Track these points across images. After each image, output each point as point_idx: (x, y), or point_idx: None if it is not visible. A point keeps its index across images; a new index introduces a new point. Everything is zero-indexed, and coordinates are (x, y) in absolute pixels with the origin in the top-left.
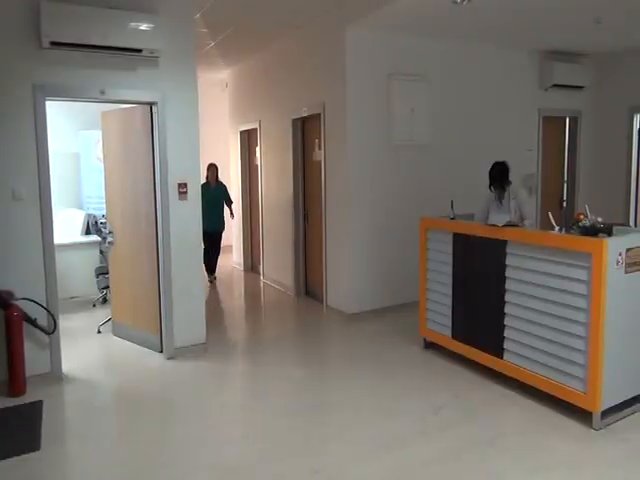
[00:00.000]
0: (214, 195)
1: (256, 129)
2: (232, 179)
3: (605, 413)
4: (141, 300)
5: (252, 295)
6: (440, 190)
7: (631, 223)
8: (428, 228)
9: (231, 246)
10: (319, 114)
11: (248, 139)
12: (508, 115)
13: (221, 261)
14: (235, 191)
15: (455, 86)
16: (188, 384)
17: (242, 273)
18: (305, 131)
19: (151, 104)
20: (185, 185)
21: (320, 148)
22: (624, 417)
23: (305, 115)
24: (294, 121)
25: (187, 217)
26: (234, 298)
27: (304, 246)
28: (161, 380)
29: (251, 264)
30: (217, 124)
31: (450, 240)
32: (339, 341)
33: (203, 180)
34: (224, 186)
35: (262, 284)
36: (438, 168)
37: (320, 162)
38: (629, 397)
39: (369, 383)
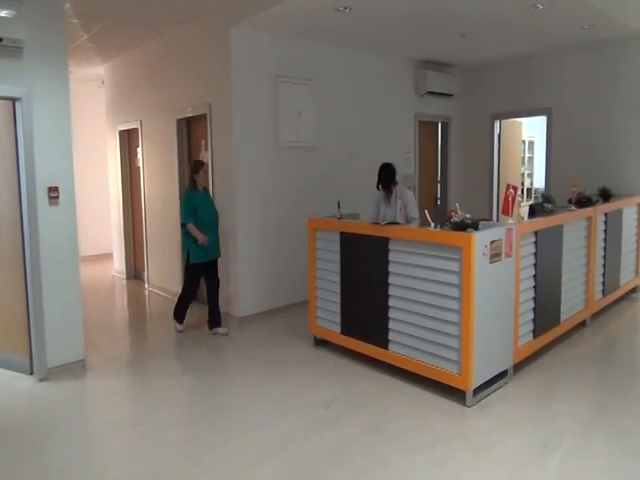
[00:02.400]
0: (208, 206)
1: (137, 129)
2: (111, 181)
3: (476, 391)
4: (5, 317)
5: (136, 305)
6: (327, 190)
7: (494, 218)
8: (316, 228)
9: (111, 253)
10: (205, 114)
11: (128, 139)
12: (388, 119)
13: (101, 270)
14: (115, 194)
15: (340, 90)
16: (65, 406)
17: (124, 282)
18: (191, 131)
19: (14, 99)
20: (56, 189)
21: (207, 149)
22: (491, 393)
23: (190, 115)
24: (179, 121)
25: (59, 223)
26: (116, 310)
27: None
28: (32, 405)
29: (134, 272)
30: (93, 123)
31: (337, 239)
32: (230, 345)
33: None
34: (209, 193)
35: (147, 292)
36: (325, 169)
37: (207, 163)
38: (495, 374)
39: (261, 385)
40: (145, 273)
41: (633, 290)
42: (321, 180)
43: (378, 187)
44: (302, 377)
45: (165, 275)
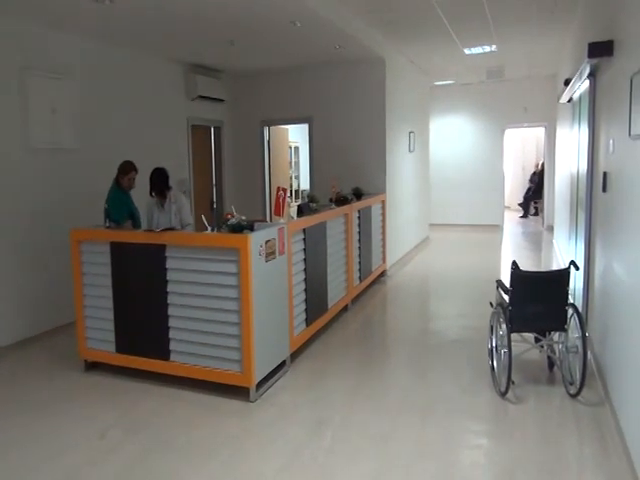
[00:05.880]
0: (137, 209)
1: None
2: None
3: (259, 385)
4: None
5: None
6: (93, 197)
7: (268, 219)
8: (81, 240)
9: None
10: None
11: None
12: (160, 121)
13: None
14: None
15: (105, 89)
16: None
17: None
18: None
19: None
20: None
21: None
22: (272, 384)
23: None
24: None
25: None
26: None
27: None
28: None
29: None
30: None
31: (107, 250)
32: None
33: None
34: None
35: None
36: (90, 174)
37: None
38: (275, 366)
39: (22, 428)
40: None
41: (382, 274)
42: (85, 185)
43: (151, 193)
44: (72, 408)
45: None
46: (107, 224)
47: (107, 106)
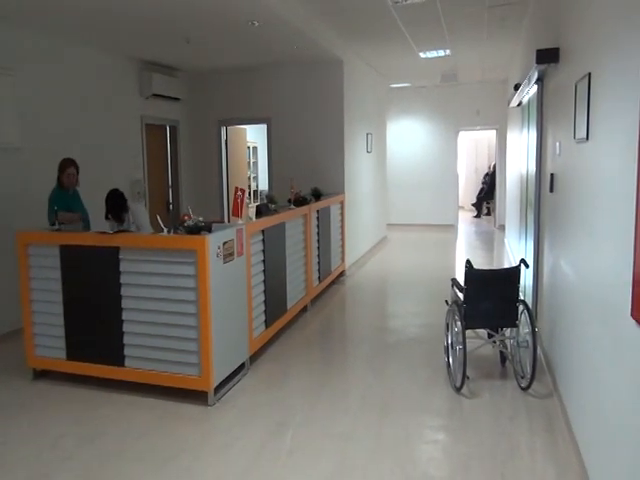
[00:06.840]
0: (78, 208)
1: None
2: None
3: (217, 388)
4: None
5: None
6: (40, 198)
7: (226, 220)
8: (29, 243)
9: None
10: None
11: None
12: (112, 119)
13: None
14: None
15: (55, 86)
16: None
17: None
18: None
19: None
20: None
21: None
22: (231, 387)
23: None
24: None
25: None
26: None
27: None
28: None
29: None
30: None
31: (57, 254)
32: None
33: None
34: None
35: None
36: (36, 174)
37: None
38: (232, 370)
39: None
40: None
41: (341, 274)
42: (31, 186)
43: (107, 217)
44: (19, 420)
45: None
46: (57, 226)
47: (57, 104)
